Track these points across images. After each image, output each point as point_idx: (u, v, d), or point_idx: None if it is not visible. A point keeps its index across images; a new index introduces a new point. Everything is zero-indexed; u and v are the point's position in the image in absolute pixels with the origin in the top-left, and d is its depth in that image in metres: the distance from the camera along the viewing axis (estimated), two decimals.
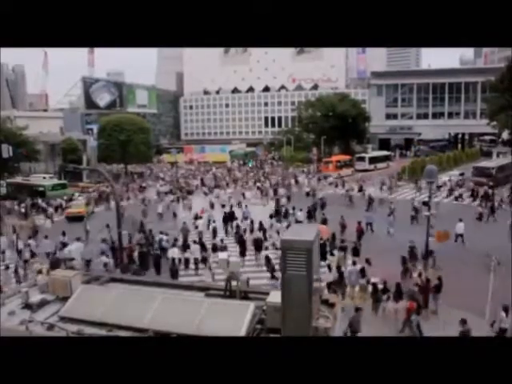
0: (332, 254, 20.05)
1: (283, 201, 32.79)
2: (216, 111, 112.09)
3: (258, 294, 7.81)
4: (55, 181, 43.41)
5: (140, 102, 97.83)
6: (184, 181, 49.17)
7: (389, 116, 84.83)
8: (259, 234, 22.63)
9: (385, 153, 65.39)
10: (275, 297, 6.60)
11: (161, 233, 22.47)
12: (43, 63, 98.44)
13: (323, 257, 17.73)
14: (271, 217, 26.48)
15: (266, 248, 21.44)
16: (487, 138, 75.16)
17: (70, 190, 42.23)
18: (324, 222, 24.89)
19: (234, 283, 8.05)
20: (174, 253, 19.76)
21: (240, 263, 17.59)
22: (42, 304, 7.66)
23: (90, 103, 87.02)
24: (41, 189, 39.95)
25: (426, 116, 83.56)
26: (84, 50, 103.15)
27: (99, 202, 37.87)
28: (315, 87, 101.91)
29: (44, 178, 45.53)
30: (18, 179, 43.90)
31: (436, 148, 71.83)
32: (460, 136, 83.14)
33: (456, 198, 35.88)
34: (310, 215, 28.22)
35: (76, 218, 30.68)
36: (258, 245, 20.94)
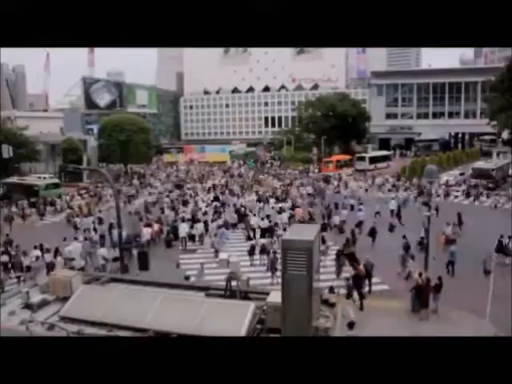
0: None
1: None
2: (216, 111, 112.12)
3: (258, 293, 7.81)
4: (48, 180, 43.51)
5: (140, 102, 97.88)
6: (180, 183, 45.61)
7: (389, 116, 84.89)
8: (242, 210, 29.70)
9: (385, 153, 65.44)
10: (275, 297, 6.59)
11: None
12: (45, 64, 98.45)
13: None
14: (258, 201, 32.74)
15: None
16: (487, 137, 75.17)
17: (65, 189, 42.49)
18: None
19: (234, 283, 8.05)
20: (183, 227, 24.23)
21: (239, 263, 17.91)
22: (43, 304, 7.66)
23: (90, 103, 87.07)
24: (35, 188, 40.21)
25: (426, 116, 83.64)
26: (84, 50, 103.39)
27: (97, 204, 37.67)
28: (315, 87, 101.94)
29: (44, 178, 45.56)
30: (14, 179, 43.99)
31: (430, 148, 71.98)
32: (460, 136, 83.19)
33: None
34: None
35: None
36: (242, 215, 28.24)
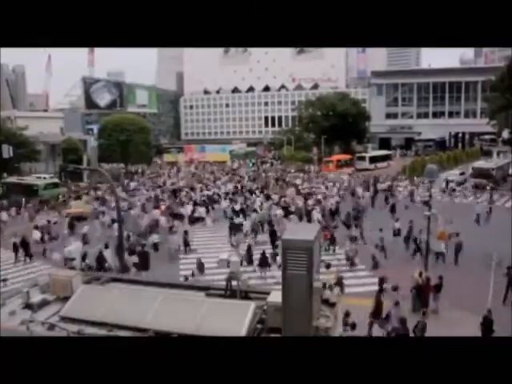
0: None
1: None
2: (216, 111, 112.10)
3: (258, 293, 7.80)
4: (48, 180, 43.57)
5: (140, 102, 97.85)
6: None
7: (389, 115, 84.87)
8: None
9: (385, 152, 65.43)
10: (276, 296, 6.58)
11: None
12: (46, 65, 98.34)
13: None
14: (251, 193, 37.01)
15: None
16: (487, 137, 75.16)
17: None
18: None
19: (234, 283, 8.05)
20: (187, 209, 29.79)
21: (239, 263, 18.08)
22: (43, 304, 7.65)
23: (90, 103, 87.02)
24: (34, 188, 40.29)
25: (426, 115, 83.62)
26: (84, 51, 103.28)
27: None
28: (315, 87, 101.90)
29: (44, 178, 45.60)
30: (13, 179, 44.05)
31: (429, 147, 72.03)
32: (460, 135, 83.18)
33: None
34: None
35: (75, 219, 30.72)
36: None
